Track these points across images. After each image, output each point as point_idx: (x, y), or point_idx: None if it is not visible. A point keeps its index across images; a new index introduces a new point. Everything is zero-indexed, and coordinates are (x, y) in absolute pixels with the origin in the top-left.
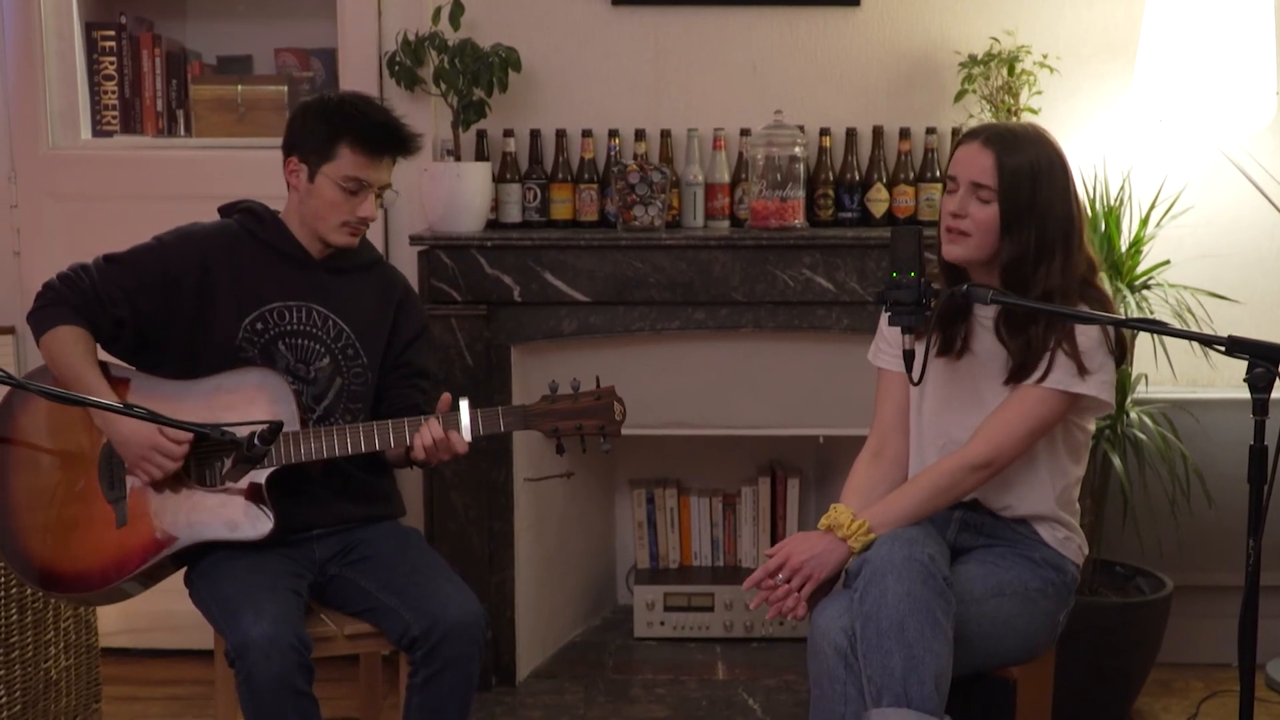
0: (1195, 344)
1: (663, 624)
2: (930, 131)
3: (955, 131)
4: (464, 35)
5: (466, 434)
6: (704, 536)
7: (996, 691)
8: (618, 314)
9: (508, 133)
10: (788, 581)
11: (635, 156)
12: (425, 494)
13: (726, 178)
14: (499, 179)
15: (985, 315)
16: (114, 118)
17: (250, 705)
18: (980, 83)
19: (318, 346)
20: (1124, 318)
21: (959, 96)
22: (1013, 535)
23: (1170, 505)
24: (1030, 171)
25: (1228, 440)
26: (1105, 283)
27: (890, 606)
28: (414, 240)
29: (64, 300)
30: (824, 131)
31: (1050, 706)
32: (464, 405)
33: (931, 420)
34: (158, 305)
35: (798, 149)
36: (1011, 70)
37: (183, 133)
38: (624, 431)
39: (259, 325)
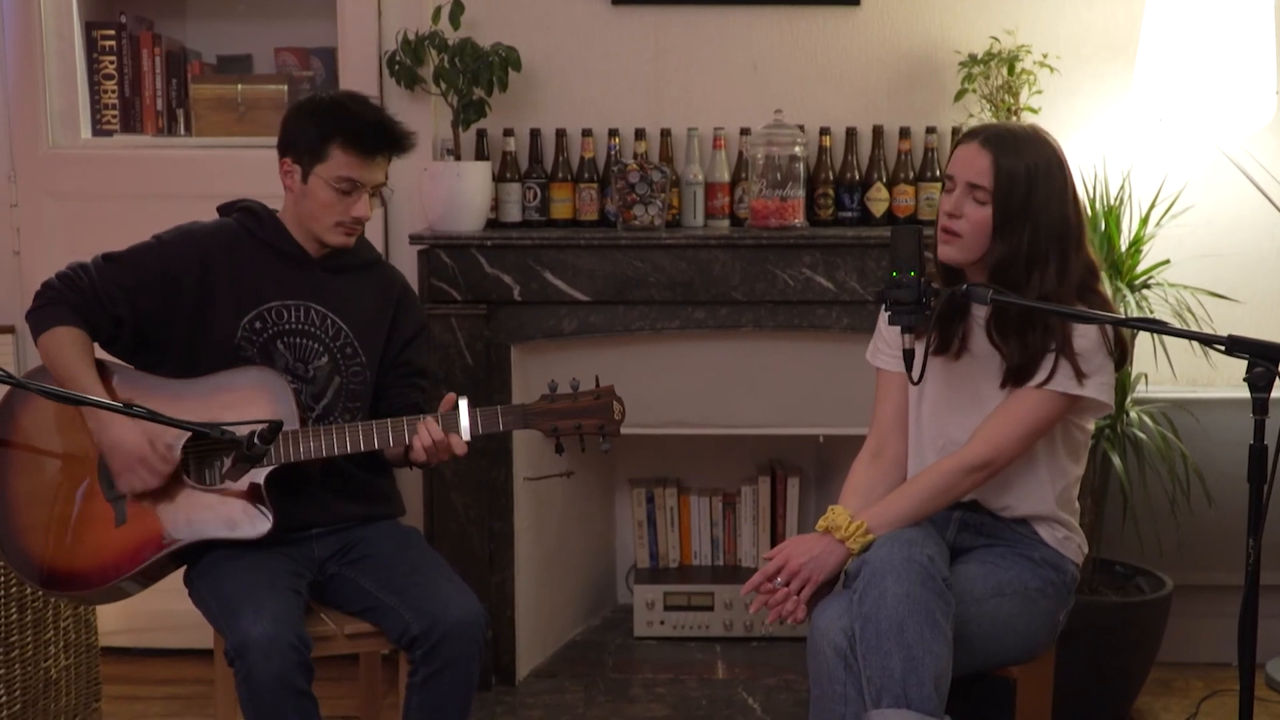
0: (1195, 343)
1: (663, 623)
2: (930, 131)
3: (955, 131)
4: (464, 34)
5: (466, 433)
6: (704, 536)
7: (996, 691)
8: (618, 313)
9: (508, 132)
10: (786, 585)
11: (635, 156)
12: (425, 493)
13: (726, 177)
14: (499, 178)
15: (982, 316)
16: (114, 117)
17: (250, 704)
18: (980, 82)
19: (316, 345)
20: (1124, 317)
21: (959, 96)
22: (1012, 535)
23: (1170, 505)
24: (1027, 174)
25: (1228, 440)
26: (1106, 286)
27: (889, 608)
28: (414, 239)
29: (63, 299)
30: (824, 131)
31: (1050, 706)
32: (463, 404)
33: (931, 421)
34: (157, 304)
35: (798, 148)
36: (1011, 70)
37: (183, 132)
38: (624, 431)
39: (257, 324)
